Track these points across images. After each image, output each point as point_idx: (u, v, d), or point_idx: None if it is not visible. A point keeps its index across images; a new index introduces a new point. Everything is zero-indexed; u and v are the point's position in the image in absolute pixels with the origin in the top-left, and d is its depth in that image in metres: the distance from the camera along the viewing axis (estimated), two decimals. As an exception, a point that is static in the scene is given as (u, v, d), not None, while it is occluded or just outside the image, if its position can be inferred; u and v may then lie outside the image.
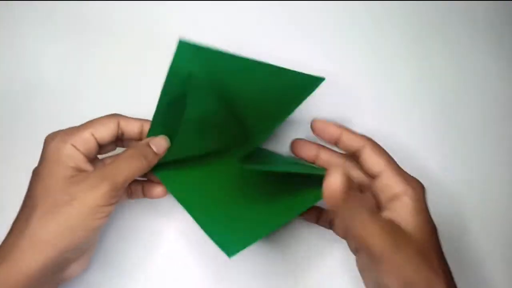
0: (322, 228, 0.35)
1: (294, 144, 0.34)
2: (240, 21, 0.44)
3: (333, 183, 0.24)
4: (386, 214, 0.28)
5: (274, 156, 0.36)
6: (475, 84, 0.44)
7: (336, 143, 0.31)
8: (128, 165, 0.29)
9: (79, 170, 0.29)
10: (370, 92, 0.43)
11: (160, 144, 0.31)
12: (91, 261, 0.32)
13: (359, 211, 0.25)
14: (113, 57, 0.42)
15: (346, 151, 0.32)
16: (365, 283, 0.30)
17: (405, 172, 0.30)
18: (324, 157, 0.33)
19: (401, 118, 0.42)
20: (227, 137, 0.35)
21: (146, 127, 0.32)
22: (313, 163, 0.33)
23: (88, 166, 0.29)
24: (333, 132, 0.31)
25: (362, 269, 0.30)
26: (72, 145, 0.29)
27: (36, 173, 0.29)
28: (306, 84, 0.32)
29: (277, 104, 0.33)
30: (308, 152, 0.33)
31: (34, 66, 0.42)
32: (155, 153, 0.31)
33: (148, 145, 0.30)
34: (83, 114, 0.40)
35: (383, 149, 0.30)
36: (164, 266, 0.37)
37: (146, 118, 0.33)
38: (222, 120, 0.33)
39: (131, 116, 0.32)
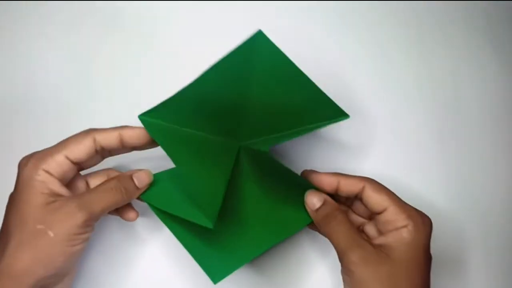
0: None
1: (311, 174, 0.32)
2: (243, 20, 0.43)
3: (310, 204, 0.30)
4: (379, 240, 0.29)
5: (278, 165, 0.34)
6: (475, 84, 0.43)
7: (335, 192, 0.31)
8: (107, 197, 0.29)
9: (54, 195, 0.28)
10: (371, 92, 0.42)
11: (143, 179, 0.31)
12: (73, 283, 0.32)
13: (339, 226, 0.29)
14: (115, 56, 0.42)
15: (347, 196, 0.31)
16: None
17: (409, 207, 0.29)
18: (344, 186, 0.31)
19: (401, 118, 0.42)
20: (229, 127, 0.34)
21: (125, 135, 0.31)
22: (336, 193, 0.32)
23: (63, 190, 0.29)
24: (330, 183, 0.31)
25: (344, 280, 0.30)
26: (45, 170, 0.28)
27: (11, 199, 0.29)
28: (331, 113, 0.31)
29: (295, 119, 0.32)
30: (329, 185, 0.31)
31: (34, 67, 0.42)
32: (137, 188, 0.30)
33: (131, 178, 0.30)
34: (83, 114, 0.40)
35: (383, 186, 0.30)
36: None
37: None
38: (240, 110, 0.33)
39: (109, 127, 0.31)
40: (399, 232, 0.28)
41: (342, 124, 0.33)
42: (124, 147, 0.32)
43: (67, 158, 0.29)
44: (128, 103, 0.40)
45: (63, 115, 0.40)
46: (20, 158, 0.30)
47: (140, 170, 0.31)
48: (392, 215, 0.28)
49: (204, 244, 0.31)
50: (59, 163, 0.29)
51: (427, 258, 0.29)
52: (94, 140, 0.30)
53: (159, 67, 0.42)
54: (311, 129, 0.32)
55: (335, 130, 0.40)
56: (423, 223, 0.28)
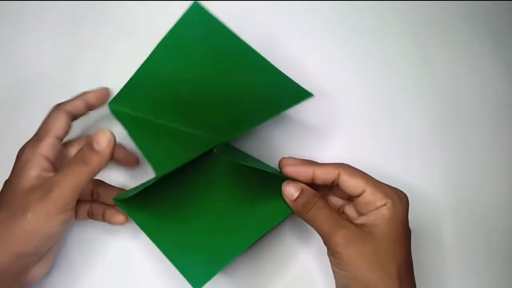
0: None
1: (286, 167, 0.32)
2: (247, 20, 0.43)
3: (288, 194, 0.31)
4: (361, 219, 0.30)
5: (253, 160, 0.35)
6: (475, 84, 0.44)
7: (312, 181, 0.31)
8: (72, 174, 0.29)
9: (41, 179, 0.30)
10: (371, 92, 0.43)
11: (101, 139, 0.29)
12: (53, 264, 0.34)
13: (319, 211, 0.30)
14: (113, 55, 0.42)
15: (324, 184, 0.32)
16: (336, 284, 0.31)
17: (385, 185, 0.30)
18: (319, 175, 0.31)
19: (401, 118, 0.42)
20: (200, 116, 0.34)
21: (89, 99, 0.34)
22: (312, 182, 0.32)
23: (50, 174, 0.30)
24: (305, 173, 0.31)
25: (332, 270, 0.31)
26: (41, 154, 0.30)
27: (4, 184, 0.31)
28: (295, 94, 0.32)
29: (261, 103, 0.32)
30: (305, 176, 0.31)
31: (34, 65, 0.42)
32: (97, 152, 0.29)
33: (90, 148, 0.29)
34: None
35: (358, 170, 0.31)
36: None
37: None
38: (200, 96, 0.33)
39: (72, 98, 0.34)
40: (379, 211, 0.29)
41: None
42: (89, 110, 0.35)
43: (56, 137, 0.32)
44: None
45: None
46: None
47: (98, 131, 0.29)
48: (370, 196, 0.29)
49: (182, 248, 0.31)
50: (52, 145, 0.31)
51: (407, 232, 0.30)
52: (68, 113, 0.33)
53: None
54: (278, 112, 0.32)
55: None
56: (399, 199, 0.29)
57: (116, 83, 0.37)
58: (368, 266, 0.28)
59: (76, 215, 0.34)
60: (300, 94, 0.31)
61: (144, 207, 0.31)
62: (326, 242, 0.29)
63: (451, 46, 0.44)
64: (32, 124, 0.35)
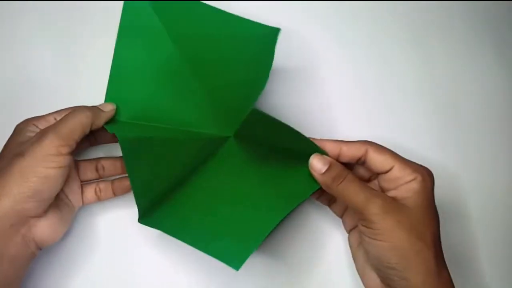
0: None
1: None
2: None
3: (316, 168, 0.30)
4: (392, 193, 0.30)
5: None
6: (475, 84, 0.44)
7: (338, 158, 0.31)
8: (73, 117, 0.31)
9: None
10: (371, 93, 0.43)
11: (106, 105, 0.34)
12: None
13: (351, 184, 0.30)
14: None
15: (349, 161, 0.32)
16: (356, 261, 0.32)
17: (413, 162, 0.31)
18: (346, 152, 0.31)
19: (402, 118, 0.42)
20: (190, 105, 0.34)
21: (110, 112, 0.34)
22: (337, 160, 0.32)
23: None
24: (333, 148, 0.31)
25: (353, 245, 0.32)
26: (34, 124, 0.32)
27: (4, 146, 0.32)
28: (266, 37, 0.31)
29: (248, 64, 0.31)
30: (331, 152, 0.31)
31: (32, 66, 0.42)
32: (101, 110, 0.33)
33: (95, 107, 0.33)
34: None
35: (385, 147, 0.31)
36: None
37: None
38: (184, 83, 0.33)
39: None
40: (409, 184, 0.29)
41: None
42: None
43: (55, 119, 0.33)
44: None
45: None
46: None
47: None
48: (399, 172, 0.30)
49: (214, 236, 0.31)
50: (48, 121, 0.33)
51: (435, 206, 0.30)
52: (88, 117, 0.32)
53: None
54: (266, 69, 0.29)
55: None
56: (428, 174, 0.30)
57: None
58: (407, 235, 0.28)
59: (83, 199, 0.35)
60: (270, 34, 0.30)
61: (166, 215, 0.32)
62: (361, 213, 0.29)
63: (451, 46, 0.45)
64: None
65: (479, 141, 0.42)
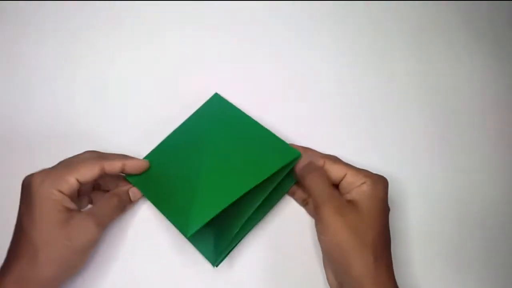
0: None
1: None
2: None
3: (300, 163, 0.36)
4: (347, 196, 0.34)
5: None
6: (475, 84, 0.44)
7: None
8: (112, 211, 0.35)
9: (68, 211, 0.32)
10: (370, 93, 0.43)
11: (136, 194, 0.37)
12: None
13: (317, 180, 0.34)
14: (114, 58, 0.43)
15: None
16: (323, 259, 0.35)
17: (365, 170, 0.34)
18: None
19: (402, 118, 0.43)
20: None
21: (128, 165, 0.36)
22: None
23: (73, 205, 0.33)
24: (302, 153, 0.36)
25: (318, 238, 0.34)
26: (59, 191, 0.32)
27: (28, 217, 0.31)
28: (285, 154, 0.36)
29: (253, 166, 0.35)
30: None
31: (33, 66, 0.42)
32: (131, 201, 0.37)
33: (127, 193, 0.37)
34: (81, 116, 0.41)
35: (338, 158, 0.36)
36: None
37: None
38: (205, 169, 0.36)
39: (114, 155, 0.36)
40: (360, 188, 0.33)
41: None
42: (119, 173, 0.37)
43: (78, 180, 0.33)
44: (128, 105, 0.41)
45: (61, 115, 0.41)
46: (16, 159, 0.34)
47: (133, 187, 0.37)
48: (352, 177, 0.34)
49: (176, 202, 0.35)
50: (71, 185, 0.33)
51: (386, 209, 0.33)
52: (102, 169, 0.34)
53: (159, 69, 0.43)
54: (270, 172, 0.35)
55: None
56: (378, 179, 0.34)
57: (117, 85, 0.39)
58: (348, 234, 0.31)
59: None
60: (289, 154, 0.36)
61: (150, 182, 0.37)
62: (316, 211, 0.33)
63: (451, 46, 0.45)
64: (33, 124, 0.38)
65: (478, 142, 0.42)
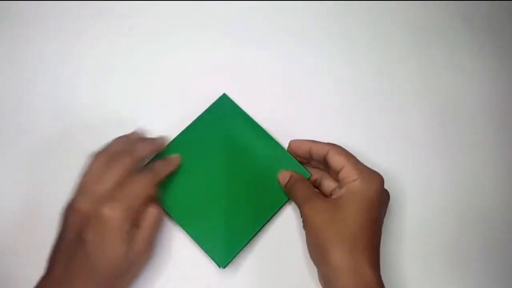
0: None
1: (292, 141, 0.39)
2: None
3: (281, 180, 0.38)
4: (338, 193, 0.34)
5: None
6: (475, 84, 0.44)
7: (310, 155, 0.37)
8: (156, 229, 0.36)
9: (131, 236, 0.33)
10: (370, 93, 0.43)
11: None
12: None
13: (299, 185, 0.36)
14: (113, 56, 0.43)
15: (317, 158, 0.37)
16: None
17: (362, 165, 0.35)
18: (314, 150, 0.37)
19: (402, 117, 0.43)
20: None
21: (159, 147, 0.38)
22: (310, 156, 0.38)
23: (132, 231, 0.33)
24: (304, 147, 0.38)
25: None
26: (130, 223, 0.33)
27: (97, 246, 0.32)
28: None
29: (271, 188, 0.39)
30: (303, 150, 0.38)
31: (34, 66, 0.43)
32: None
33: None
34: (83, 114, 0.41)
35: (343, 149, 0.36)
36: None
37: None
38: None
39: (165, 170, 0.37)
40: (350, 184, 0.33)
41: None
42: None
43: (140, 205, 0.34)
44: (128, 102, 0.42)
45: (61, 115, 0.41)
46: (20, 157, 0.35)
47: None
48: (347, 172, 0.34)
49: (206, 231, 0.37)
50: (136, 211, 0.33)
51: (375, 206, 0.33)
52: (156, 184, 0.35)
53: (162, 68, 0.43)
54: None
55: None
56: (371, 177, 0.34)
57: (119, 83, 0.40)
58: (325, 230, 0.32)
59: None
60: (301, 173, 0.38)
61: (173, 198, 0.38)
62: (300, 211, 0.35)
63: (451, 46, 0.45)
64: (34, 123, 0.38)
65: (478, 142, 0.43)
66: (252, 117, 0.40)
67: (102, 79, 0.42)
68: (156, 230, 0.35)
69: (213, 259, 0.36)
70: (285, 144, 0.40)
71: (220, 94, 0.41)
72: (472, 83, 0.44)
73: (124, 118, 0.41)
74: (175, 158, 0.38)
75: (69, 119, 0.41)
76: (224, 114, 0.40)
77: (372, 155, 0.41)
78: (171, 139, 0.40)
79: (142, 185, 0.34)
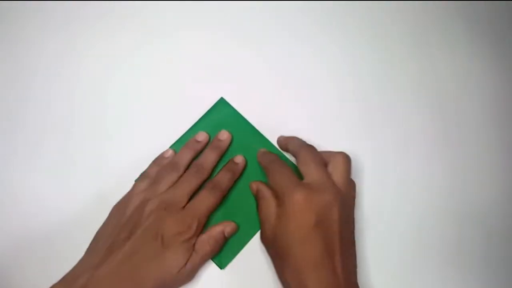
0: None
1: (279, 137, 0.41)
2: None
3: (252, 191, 0.38)
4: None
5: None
6: (475, 84, 0.44)
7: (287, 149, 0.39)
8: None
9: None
10: (369, 93, 0.43)
11: (230, 231, 0.37)
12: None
13: (276, 165, 0.37)
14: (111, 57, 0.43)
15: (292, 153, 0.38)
16: None
17: (308, 178, 0.35)
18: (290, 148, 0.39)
19: (401, 118, 0.43)
20: None
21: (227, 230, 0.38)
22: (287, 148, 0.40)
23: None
24: (280, 142, 0.40)
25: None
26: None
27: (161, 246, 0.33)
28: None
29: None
30: (281, 143, 0.40)
31: (34, 66, 0.43)
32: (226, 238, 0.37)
33: (224, 235, 0.37)
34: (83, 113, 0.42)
35: (310, 153, 0.36)
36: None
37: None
38: None
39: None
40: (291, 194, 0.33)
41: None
42: None
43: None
44: (128, 100, 0.42)
45: (63, 113, 0.41)
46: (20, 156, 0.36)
47: (228, 224, 0.37)
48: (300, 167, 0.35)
49: None
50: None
51: (315, 215, 0.32)
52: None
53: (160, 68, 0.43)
54: None
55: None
56: (305, 189, 0.33)
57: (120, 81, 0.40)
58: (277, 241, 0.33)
59: None
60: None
61: None
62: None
63: (450, 46, 0.45)
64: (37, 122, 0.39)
65: (478, 142, 0.43)
66: (249, 121, 0.41)
67: (101, 79, 0.43)
68: (208, 259, 0.36)
69: (213, 260, 0.37)
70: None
71: (218, 97, 0.41)
72: (472, 83, 0.44)
73: (123, 119, 0.41)
74: (241, 161, 0.39)
75: (67, 124, 0.41)
76: (221, 118, 0.40)
77: (372, 156, 0.41)
78: (171, 144, 0.40)
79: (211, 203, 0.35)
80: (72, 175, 0.40)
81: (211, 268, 0.37)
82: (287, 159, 0.40)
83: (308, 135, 0.41)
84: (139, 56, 0.43)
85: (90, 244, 0.34)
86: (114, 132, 0.40)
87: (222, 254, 0.37)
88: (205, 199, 0.35)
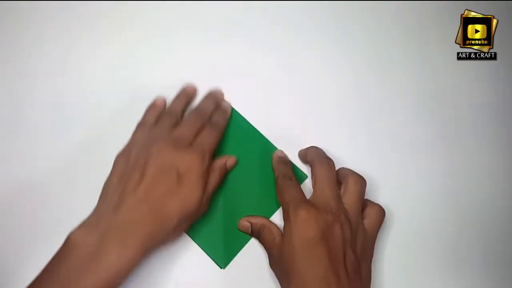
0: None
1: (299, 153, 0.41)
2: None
3: (274, 156, 0.40)
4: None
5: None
6: (474, 84, 0.44)
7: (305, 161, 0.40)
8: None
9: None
10: (369, 93, 0.43)
11: (232, 162, 0.39)
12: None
13: (285, 182, 0.37)
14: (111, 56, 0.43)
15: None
16: None
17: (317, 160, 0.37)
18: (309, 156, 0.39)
19: (401, 119, 0.43)
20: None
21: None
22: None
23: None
24: (302, 155, 0.40)
25: None
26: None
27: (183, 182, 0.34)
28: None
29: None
30: (302, 157, 0.41)
31: (34, 66, 0.43)
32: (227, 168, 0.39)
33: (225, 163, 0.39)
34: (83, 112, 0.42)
35: (324, 171, 0.36)
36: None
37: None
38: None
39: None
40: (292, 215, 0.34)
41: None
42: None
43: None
44: (130, 101, 0.42)
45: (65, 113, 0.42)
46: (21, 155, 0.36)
47: (229, 157, 0.39)
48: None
49: (209, 235, 0.38)
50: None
51: (315, 240, 0.32)
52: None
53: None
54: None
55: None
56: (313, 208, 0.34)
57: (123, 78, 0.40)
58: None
59: None
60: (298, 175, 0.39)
61: None
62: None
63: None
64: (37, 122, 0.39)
65: (478, 142, 0.43)
66: (250, 121, 0.41)
67: (101, 79, 0.43)
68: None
69: (213, 259, 0.37)
70: (284, 149, 0.40)
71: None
72: (472, 83, 0.44)
73: (123, 118, 0.41)
74: (226, 106, 0.41)
75: (68, 120, 0.41)
76: (228, 127, 0.41)
77: (372, 156, 0.42)
78: None
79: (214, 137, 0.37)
80: (72, 175, 0.40)
81: (211, 268, 0.38)
82: (299, 171, 0.40)
83: (308, 135, 0.41)
84: (139, 56, 0.43)
85: (101, 194, 0.34)
86: (114, 132, 0.40)
87: (222, 254, 0.37)
88: (209, 135, 0.37)
